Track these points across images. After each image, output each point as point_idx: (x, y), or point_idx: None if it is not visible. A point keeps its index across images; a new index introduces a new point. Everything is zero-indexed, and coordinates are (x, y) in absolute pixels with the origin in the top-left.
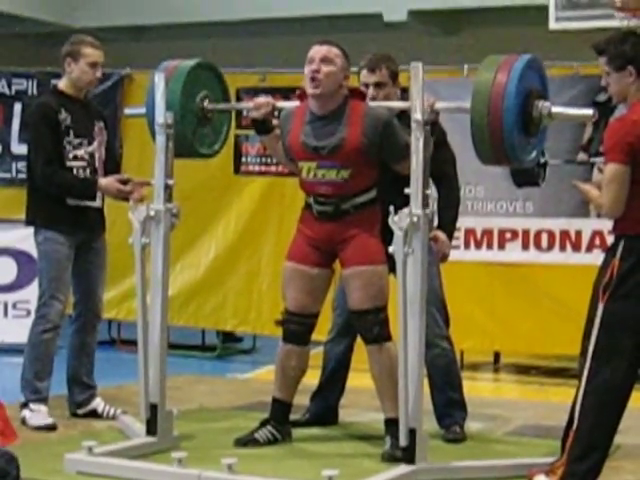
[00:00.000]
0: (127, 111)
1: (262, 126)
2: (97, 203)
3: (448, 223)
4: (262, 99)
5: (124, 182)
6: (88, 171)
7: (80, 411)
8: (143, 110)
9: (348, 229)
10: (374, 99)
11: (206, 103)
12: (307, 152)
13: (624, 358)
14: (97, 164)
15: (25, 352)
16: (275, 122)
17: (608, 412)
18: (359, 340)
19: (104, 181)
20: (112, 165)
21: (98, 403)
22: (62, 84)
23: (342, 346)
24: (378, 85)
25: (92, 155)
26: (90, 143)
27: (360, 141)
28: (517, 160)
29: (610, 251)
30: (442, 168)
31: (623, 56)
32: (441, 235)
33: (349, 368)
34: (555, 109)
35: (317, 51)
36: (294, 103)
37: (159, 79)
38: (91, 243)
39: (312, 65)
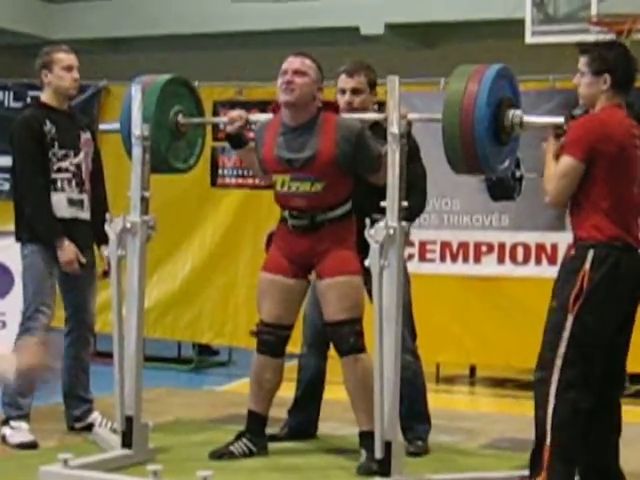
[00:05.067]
0: (102, 127)
1: (236, 140)
2: (85, 215)
3: None
4: (235, 113)
5: (82, 264)
6: (74, 182)
7: (78, 425)
8: (118, 126)
9: (324, 242)
10: (350, 105)
11: (180, 117)
12: (280, 164)
13: (596, 370)
14: (84, 176)
15: None
16: (250, 135)
17: (584, 424)
18: (334, 353)
19: (67, 245)
20: (98, 176)
21: (95, 417)
22: (44, 96)
23: (315, 358)
24: (355, 91)
25: (78, 166)
26: (76, 154)
27: (333, 153)
28: (490, 169)
29: (575, 258)
30: (412, 181)
31: (604, 62)
32: None
33: (325, 380)
34: (527, 118)
35: (290, 62)
36: (268, 115)
37: (136, 91)
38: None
39: (285, 76)
